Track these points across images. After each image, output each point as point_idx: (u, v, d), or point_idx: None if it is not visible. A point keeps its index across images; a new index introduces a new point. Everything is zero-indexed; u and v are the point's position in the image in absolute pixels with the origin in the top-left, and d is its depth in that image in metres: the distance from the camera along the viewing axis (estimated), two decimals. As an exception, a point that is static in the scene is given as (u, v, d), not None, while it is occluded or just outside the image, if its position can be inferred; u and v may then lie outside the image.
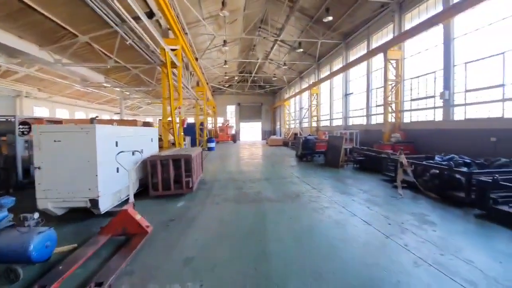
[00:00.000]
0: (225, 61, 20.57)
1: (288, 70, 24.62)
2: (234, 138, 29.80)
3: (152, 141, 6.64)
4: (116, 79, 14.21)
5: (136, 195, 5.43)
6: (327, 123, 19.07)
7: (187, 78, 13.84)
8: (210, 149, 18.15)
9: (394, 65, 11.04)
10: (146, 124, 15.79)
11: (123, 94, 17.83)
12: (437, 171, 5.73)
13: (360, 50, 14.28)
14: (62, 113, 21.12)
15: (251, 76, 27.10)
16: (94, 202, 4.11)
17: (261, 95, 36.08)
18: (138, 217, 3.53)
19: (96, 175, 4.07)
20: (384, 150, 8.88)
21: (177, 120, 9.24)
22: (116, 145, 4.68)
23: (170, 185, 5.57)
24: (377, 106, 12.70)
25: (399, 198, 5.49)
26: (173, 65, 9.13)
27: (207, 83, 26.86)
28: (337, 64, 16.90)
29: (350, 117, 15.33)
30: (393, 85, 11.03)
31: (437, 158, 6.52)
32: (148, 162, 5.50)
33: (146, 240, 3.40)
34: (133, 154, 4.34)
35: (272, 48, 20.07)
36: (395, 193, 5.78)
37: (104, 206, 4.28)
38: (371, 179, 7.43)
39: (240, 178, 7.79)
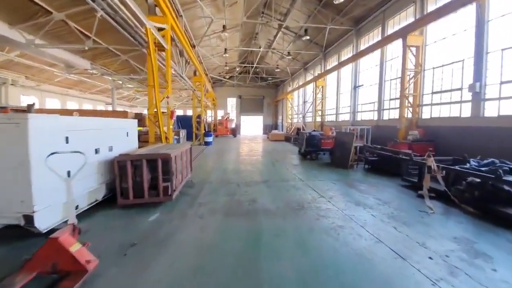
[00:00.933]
0: (225, 49, 19.21)
1: (292, 61, 23.20)
2: (234, 132, 28.66)
3: (128, 135, 5.54)
4: (104, 66, 13.03)
5: (101, 204, 4.38)
6: (332, 118, 17.83)
7: (182, 66, 12.63)
8: (207, 143, 17.07)
9: (414, 52, 9.73)
10: (138, 116, 14.68)
11: (115, 83, 16.66)
12: (478, 180, 4.59)
13: (372, 38, 12.90)
14: (53, 103, 20.07)
15: (252, 67, 25.70)
16: (29, 219, 3.04)
17: (263, 88, 34.69)
18: (74, 248, 2.45)
19: (30, 183, 2.99)
20: (401, 150, 7.72)
21: (167, 111, 8.13)
22: (67, 142, 3.58)
23: (144, 192, 4.49)
24: (390, 99, 11.44)
25: (430, 213, 4.37)
26: (161, 48, 7.94)
27: (206, 74, 25.57)
28: (346, 54, 15.53)
29: (359, 111, 14.08)
30: (411, 75, 9.76)
31: (472, 162, 5.35)
32: (116, 163, 4.40)
33: (83, 283, 2.34)
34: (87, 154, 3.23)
35: (275, 36, 18.65)
36: (423, 206, 4.65)
37: (47, 222, 3.22)
38: (389, 185, 6.30)
39: (234, 180, 6.70)
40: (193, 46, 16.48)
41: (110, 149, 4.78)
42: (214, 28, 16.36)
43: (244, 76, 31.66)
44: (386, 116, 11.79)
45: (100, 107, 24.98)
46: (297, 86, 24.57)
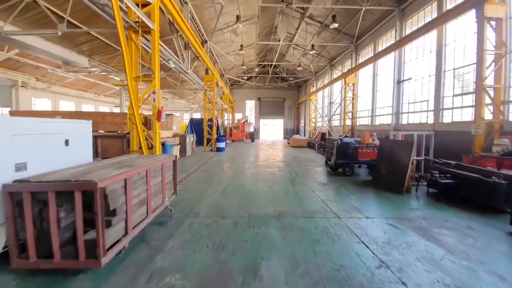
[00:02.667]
0: (241, 45, 17.36)
1: (316, 57, 20.65)
2: (252, 136, 26.67)
3: (67, 144, 3.63)
4: (103, 62, 11.78)
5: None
6: (366, 121, 14.93)
7: (187, 61, 10.87)
8: (219, 150, 15.18)
9: (495, 26, 6.85)
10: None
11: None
12: None
13: (424, 17, 10.04)
14: (67, 106, 19.73)
15: (272, 65, 23.58)
16: None
17: (283, 89, 32.37)
18: None
19: None
20: (489, 168, 4.98)
21: (153, 110, 6.25)
22: None
23: (54, 248, 2.49)
24: (455, 95, 8.49)
25: None
26: (146, 29, 6.12)
27: (223, 75, 24.00)
28: (385, 42, 12.71)
29: (404, 112, 11.14)
30: (491, 60, 6.86)
31: None
32: (7, 196, 2.46)
33: None
34: None
35: (297, 28, 16.34)
36: None
37: None
38: (491, 233, 3.66)
39: (234, 210, 4.51)
40: (204, 42, 14.83)
41: (20, 167, 2.89)
42: (228, 20, 14.56)
43: (263, 77, 29.69)
44: (447, 118, 8.83)
45: (117, 110, 24.55)
46: (322, 85, 21.88)
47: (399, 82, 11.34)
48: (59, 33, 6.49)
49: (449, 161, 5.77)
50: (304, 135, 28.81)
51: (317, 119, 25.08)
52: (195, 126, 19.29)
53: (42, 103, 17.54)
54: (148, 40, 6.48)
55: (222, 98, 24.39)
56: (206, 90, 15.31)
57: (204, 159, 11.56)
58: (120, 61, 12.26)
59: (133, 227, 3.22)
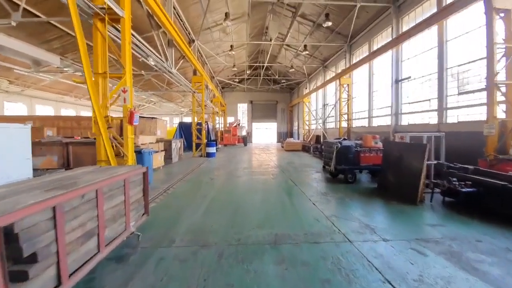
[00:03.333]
0: (231, 46, 16.61)
1: (309, 59, 20.13)
2: (245, 140, 25.81)
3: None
4: (77, 61, 10.72)
5: None
6: (362, 123, 14.35)
7: (171, 59, 9.98)
8: (209, 155, 14.22)
9: (503, 17, 6.32)
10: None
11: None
12: None
13: (421, 13, 9.55)
14: (44, 110, 18.37)
15: (263, 67, 22.93)
16: None
17: (276, 92, 31.79)
18: None
19: None
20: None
21: (123, 112, 5.40)
22: None
23: None
24: (460, 94, 7.93)
25: None
26: (115, 17, 5.23)
27: (213, 77, 23.16)
28: (380, 41, 12.22)
29: (404, 113, 10.57)
30: (502, 54, 6.31)
31: None
32: None
33: None
34: None
35: (289, 27, 15.75)
36: None
37: None
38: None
39: (220, 234, 3.62)
40: (192, 41, 13.99)
41: None
42: (216, 18, 13.79)
43: (255, 80, 29.02)
44: (451, 118, 8.25)
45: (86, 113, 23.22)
46: (315, 87, 21.35)
47: (397, 81, 10.79)
48: (13, 23, 5.50)
49: (466, 166, 5.08)
50: (298, 138, 28.18)
51: (311, 122, 24.51)
52: (184, 130, 18.30)
53: (16, 108, 16.17)
54: (118, 30, 5.57)
55: (213, 101, 23.50)
56: (194, 92, 14.41)
57: (192, 166, 10.59)
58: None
59: (73, 272, 2.29)
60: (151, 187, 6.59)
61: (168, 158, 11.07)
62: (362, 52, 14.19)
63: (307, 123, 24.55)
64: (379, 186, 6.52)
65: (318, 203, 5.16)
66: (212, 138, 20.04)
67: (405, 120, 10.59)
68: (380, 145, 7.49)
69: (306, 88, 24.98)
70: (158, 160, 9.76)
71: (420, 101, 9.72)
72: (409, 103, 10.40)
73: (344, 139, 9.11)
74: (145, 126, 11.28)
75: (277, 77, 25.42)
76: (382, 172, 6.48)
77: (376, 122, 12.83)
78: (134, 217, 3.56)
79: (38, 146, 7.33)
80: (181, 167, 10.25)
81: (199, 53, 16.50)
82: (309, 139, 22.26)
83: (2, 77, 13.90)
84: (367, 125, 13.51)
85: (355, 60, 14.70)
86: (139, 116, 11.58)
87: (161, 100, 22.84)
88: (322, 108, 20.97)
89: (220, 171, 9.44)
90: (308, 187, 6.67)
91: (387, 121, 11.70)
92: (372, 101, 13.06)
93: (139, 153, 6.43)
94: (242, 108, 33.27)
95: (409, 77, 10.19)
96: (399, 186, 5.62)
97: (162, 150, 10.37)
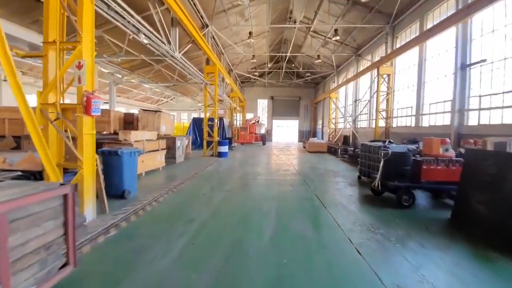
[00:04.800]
0: (250, 32, 14.75)
1: (339, 47, 17.53)
2: (264, 139, 23.94)
3: None
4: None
5: None
6: (406, 121, 11.67)
7: (174, 41, 8.40)
8: (221, 155, 12.63)
9: None
10: (128, 117, 11.05)
11: (114, 77, 13.51)
12: None
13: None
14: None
15: (286, 58, 20.77)
16: None
17: (299, 87, 29.38)
18: None
19: None
20: None
21: (77, 97, 3.89)
22: None
23: None
24: None
25: None
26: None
27: (232, 70, 21.57)
28: (436, 17, 9.49)
29: (474, 109, 7.87)
30: None
31: None
32: None
33: None
34: None
35: (318, 8, 13.45)
36: None
37: None
38: None
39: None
40: (205, 25, 12.39)
41: None
42: (232, -2, 12.01)
43: (277, 73, 26.93)
44: None
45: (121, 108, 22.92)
46: (345, 80, 18.70)
47: (464, 67, 8.10)
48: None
49: None
50: (322, 138, 25.63)
51: (338, 120, 21.87)
52: (198, 126, 16.93)
53: (31, 100, 16.02)
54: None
55: (231, 96, 21.98)
56: (207, 84, 12.84)
57: (197, 168, 9.02)
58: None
59: None
60: (130, 198, 5.06)
61: (171, 157, 9.62)
62: (409, 33, 11.44)
63: (334, 121, 21.93)
64: (455, 217, 4.26)
65: (365, 249, 3.13)
66: (228, 135, 18.50)
67: (473, 119, 7.91)
68: (451, 153, 5.15)
69: (334, 82, 22.30)
70: (156, 161, 8.31)
71: (499, 94, 7.01)
72: (480, 96, 7.69)
73: (390, 142, 6.80)
74: (147, 121, 9.93)
75: (301, 69, 23.01)
76: (462, 195, 4.21)
77: (427, 121, 10.14)
78: (34, 273, 1.91)
79: None
80: (183, 170, 8.71)
81: (214, 41, 14.90)
82: (335, 140, 19.73)
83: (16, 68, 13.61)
84: (413, 125, 10.84)
85: (399, 44, 11.99)
86: (144, 110, 10.32)
87: (175, 94, 21.83)
88: (353, 105, 18.28)
89: (226, 177, 7.70)
90: (342, 211, 4.62)
91: (445, 119, 9.03)
92: (422, 94, 10.36)
93: (115, 154, 4.89)
94: (262, 104, 31.39)
95: (484, 60, 7.48)
96: (499, 223, 3.37)
97: (163, 149, 8.92)
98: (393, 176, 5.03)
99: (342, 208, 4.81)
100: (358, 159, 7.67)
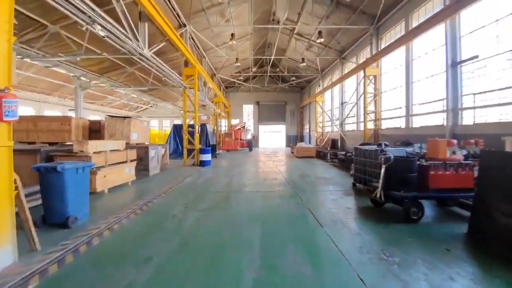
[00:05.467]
0: (232, 34, 14.04)
1: (323, 50, 17.26)
2: (250, 145, 23.10)
3: None
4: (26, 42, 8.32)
5: None
6: (395, 123, 11.31)
7: (143, 37, 7.41)
8: (203, 164, 11.59)
9: None
10: (94, 124, 9.85)
11: (80, 81, 12.16)
12: None
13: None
14: (24, 111, 16.33)
15: (270, 61, 20.27)
16: None
17: (285, 92, 29.03)
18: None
19: None
20: None
21: None
22: None
23: None
24: None
25: None
26: None
27: (215, 74, 20.73)
28: (424, 15, 9.24)
29: (468, 108, 7.49)
30: None
31: None
32: None
33: None
34: None
35: (302, 8, 13.04)
36: None
37: None
38: None
39: None
40: (182, 25, 11.50)
41: None
42: (211, -5, 11.25)
43: (262, 78, 26.45)
44: None
45: (95, 117, 21.20)
46: (330, 83, 18.41)
47: (455, 64, 7.77)
48: None
49: None
50: (310, 143, 25.22)
51: (325, 124, 21.53)
52: (179, 133, 15.77)
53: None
54: None
55: (215, 102, 21.04)
56: (186, 88, 11.85)
57: (173, 180, 7.94)
58: (51, 40, 8.69)
59: None
60: (76, 226, 3.95)
61: (143, 169, 8.48)
62: (394, 34, 11.21)
63: (321, 125, 21.56)
64: (474, 232, 3.57)
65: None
66: (212, 142, 17.46)
67: (468, 118, 7.53)
68: (459, 156, 4.54)
69: (319, 86, 22.05)
70: (124, 174, 7.17)
71: (495, 90, 6.67)
72: (474, 93, 7.34)
73: (386, 144, 6.17)
74: (115, 128, 8.76)
75: (285, 73, 22.60)
76: (480, 206, 3.54)
77: (418, 122, 9.77)
78: None
79: None
80: (156, 183, 7.61)
81: (194, 42, 14.02)
82: (323, 143, 19.29)
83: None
84: (403, 126, 10.45)
85: (384, 45, 11.74)
86: (111, 116, 9.13)
87: (154, 100, 20.52)
88: (339, 108, 17.96)
89: (205, 191, 6.71)
90: (343, 231, 3.80)
91: (437, 120, 8.65)
92: (411, 94, 10.02)
93: (53, 171, 3.80)
94: (248, 110, 30.67)
95: (476, 57, 7.15)
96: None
97: (133, 160, 7.79)
98: (397, 185, 4.32)
99: (342, 226, 3.99)
100: (352, 165, 6.99)
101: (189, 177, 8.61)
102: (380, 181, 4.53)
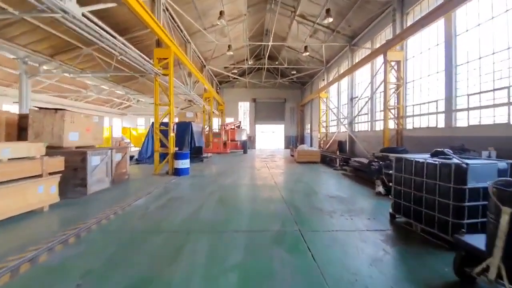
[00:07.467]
0: (221, 12, 11.47)
1: (330, 35, 14.66)
2: (245, 146, 20.56)
3: None
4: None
5: None
6: (428, 121, 8.75)
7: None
8: (178, 172, 9.03)
9: None
10: (23, 118, 7.28)
11: (26, 66, 9.55)
12: None
13: None
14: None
15: (268, 48, 17.73)
16: None
17: (284, 88, 26.49)
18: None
19: None
20: None
21: None
22: None
23: None
24: None
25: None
26: None
27: (204, 66, 18.18)
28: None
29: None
30: None
31: None
32: None
33: None
34: None
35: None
36: None
37: None
38: None
39: None
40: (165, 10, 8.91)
41: None
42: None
43: (259, 73, 23.94)
44: None
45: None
46: (337, 75, 15.85)
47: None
48: None
49: None
50: (311, 145, 22.69)
51: (329, 123, 19.01)
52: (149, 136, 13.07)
53: None
54: None
55: (204, 97, 18.47)
56: (158, 74, 9.26)
57: (119, 202, 5.36)
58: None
59: None
60: None
61: (78, 185, 5.86)
62: (426, 6, 8.66)
63: (325, 124, 19.01)
64: None
65: None
66: (198, 144, 14.87)
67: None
68: None
69: (323, 80, 19.49)
70: (31, 196, 4.57)
71: None
72: None
73: (463, 149, 3.60)
74: (43, 125, 6.17)
75: (286, 66, 19.99)
76: None
77: (464, 121, 7.19)
78: None
79: None
80: (88, 208, 5.01)
81: (173, 20, 11.44)
82: (327, 146, 16.75)
83: None
84: (442, 125, 7.88)
85: (410, 21, 9.19)
86: (39, 109, 6.45)
87: (129, 93, 17.86)
88: (348, 104, 15.39)
89: (148, 231, 4.13)
90: None
91: (496, 117, 6.10)
92: (455, 83, 7.45)
93: None
94: (244, 108, 28.09)
95: None
96: None
97: (56, 172, 5.20)
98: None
99: None
100: (377, 180, 4.43)
101: (145, 197, 6.00)
102: (498, 243, 1.97)
